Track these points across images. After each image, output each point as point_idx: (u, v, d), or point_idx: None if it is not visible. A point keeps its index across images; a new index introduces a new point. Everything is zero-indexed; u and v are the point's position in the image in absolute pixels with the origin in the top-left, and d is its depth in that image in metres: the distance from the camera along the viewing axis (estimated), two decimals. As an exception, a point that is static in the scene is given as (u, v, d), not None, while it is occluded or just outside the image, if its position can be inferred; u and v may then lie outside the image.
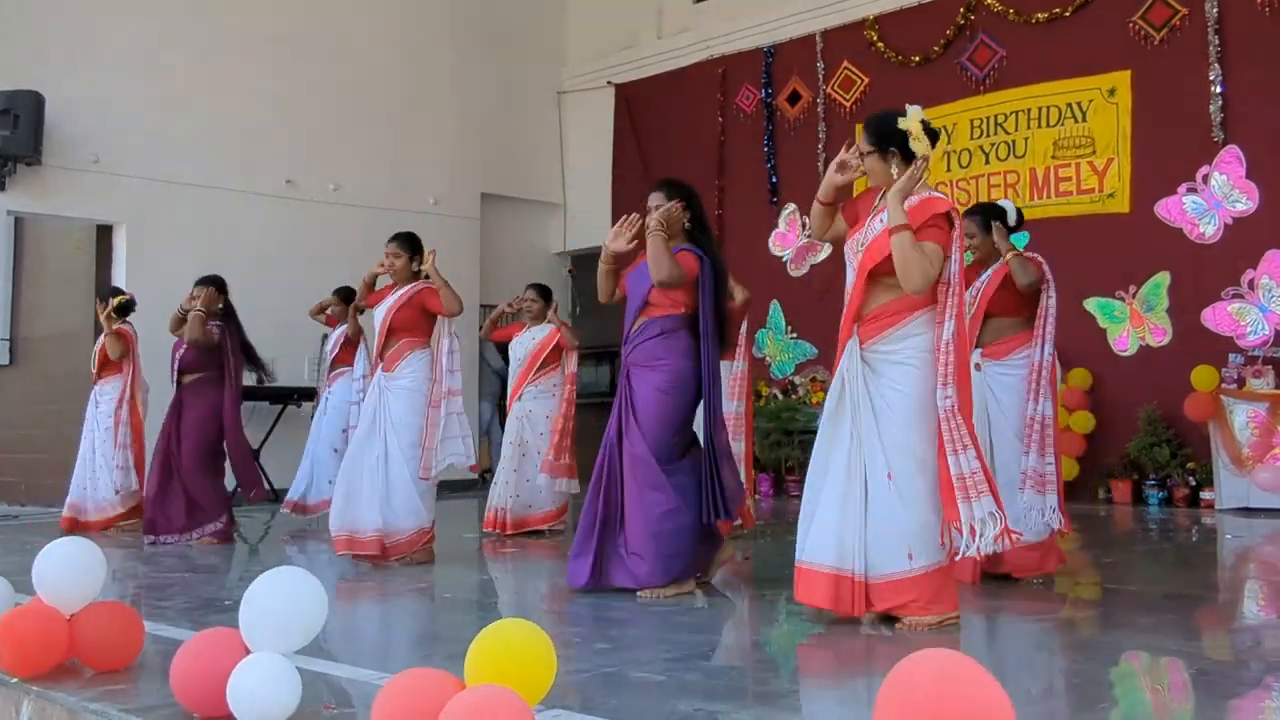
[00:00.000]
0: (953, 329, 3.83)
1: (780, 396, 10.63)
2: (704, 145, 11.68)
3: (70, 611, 3.19)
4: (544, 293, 7.66)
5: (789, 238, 11.11)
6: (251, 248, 9.98)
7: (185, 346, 7.01)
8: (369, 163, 11.14)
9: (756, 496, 10.31)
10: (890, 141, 3.96)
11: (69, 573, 3.19)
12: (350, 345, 8.07)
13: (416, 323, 6.07)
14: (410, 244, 6.19)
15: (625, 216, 5.14)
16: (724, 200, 11.57)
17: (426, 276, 6.08)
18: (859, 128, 4.15)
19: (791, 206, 11.06)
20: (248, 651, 2.66)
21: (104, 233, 9.84)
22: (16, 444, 10.07)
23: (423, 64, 11.68)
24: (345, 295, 8.35)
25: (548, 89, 13.03)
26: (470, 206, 12.04)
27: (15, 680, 3.14)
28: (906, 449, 3.81)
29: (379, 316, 6.09)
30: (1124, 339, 8.91)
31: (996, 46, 9.75)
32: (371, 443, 5.95)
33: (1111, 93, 9.11)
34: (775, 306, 11.09)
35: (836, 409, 3.95)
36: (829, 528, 3.88)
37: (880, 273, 3.88)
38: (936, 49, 10.06)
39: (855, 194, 4.42)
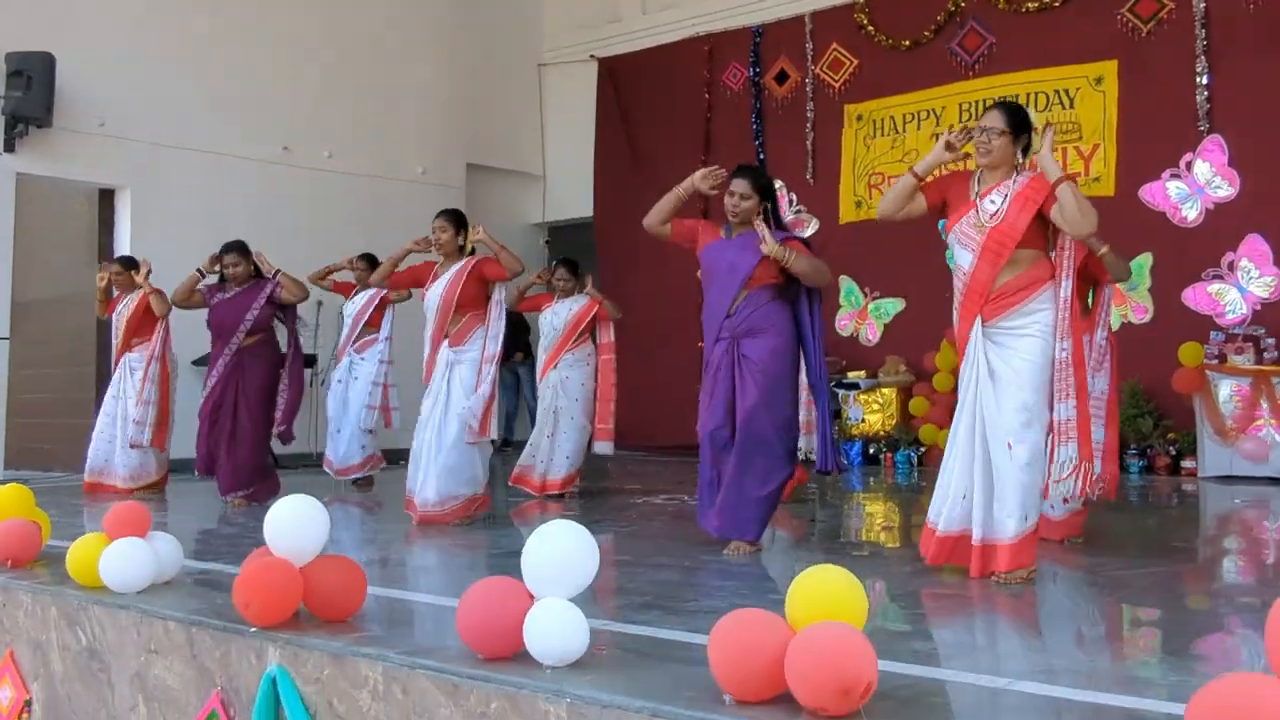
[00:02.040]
0: (1070, 287, 4.15)
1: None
2: (690, 121, 11.88)
3: (300, 564, 3.32)
4: (575, 269, 7.85)
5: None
6: (250, 214, 9.94)
7: (259, 306, 7.08)
8: (361, 132, 11.18)
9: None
10: (1025, 128, 4.25)
11: (299, 527, 3.32)
12: (380, 310, 8.18)
13: (480, 296, 6.23)
14: (457, 219, 6.30)
15: (714, 167, 5.28)
16: (710, 176, 11.77)
17: (473, 251, 6.22)
18: (988, 110, 4.36)
19: (778, 183, 11.31)
20: (532, 598, 2.85)
21: (105, 197, 9.71)
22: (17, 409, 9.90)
23: (410, 34, 11.70)
24: (372, 262, 8.41)
25: (529, 61, 13.12)
26: (456, 177, 12.11)
27: (254, 629, 3.26)
28: (1031, 410, 4.10)
29: (438, 295, 6.16)
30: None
31: (986, 33, 10.14)
32: (434, 415, 6.11)
33: (1099, 81, 9.57)
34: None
35: (971, 389, 4.21)
36: (955, 497, 4.19)
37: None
38: (927, 34, 10.41)
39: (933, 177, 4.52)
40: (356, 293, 8.43)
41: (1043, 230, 4.20)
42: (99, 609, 3.76)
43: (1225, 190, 8.94)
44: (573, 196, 12.85)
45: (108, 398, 7.86)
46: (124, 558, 3.78)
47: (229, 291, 7.28)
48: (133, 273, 7.71)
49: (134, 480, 7.71)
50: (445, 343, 6.17)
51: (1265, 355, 8.44)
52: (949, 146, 4.34)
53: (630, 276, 11.72)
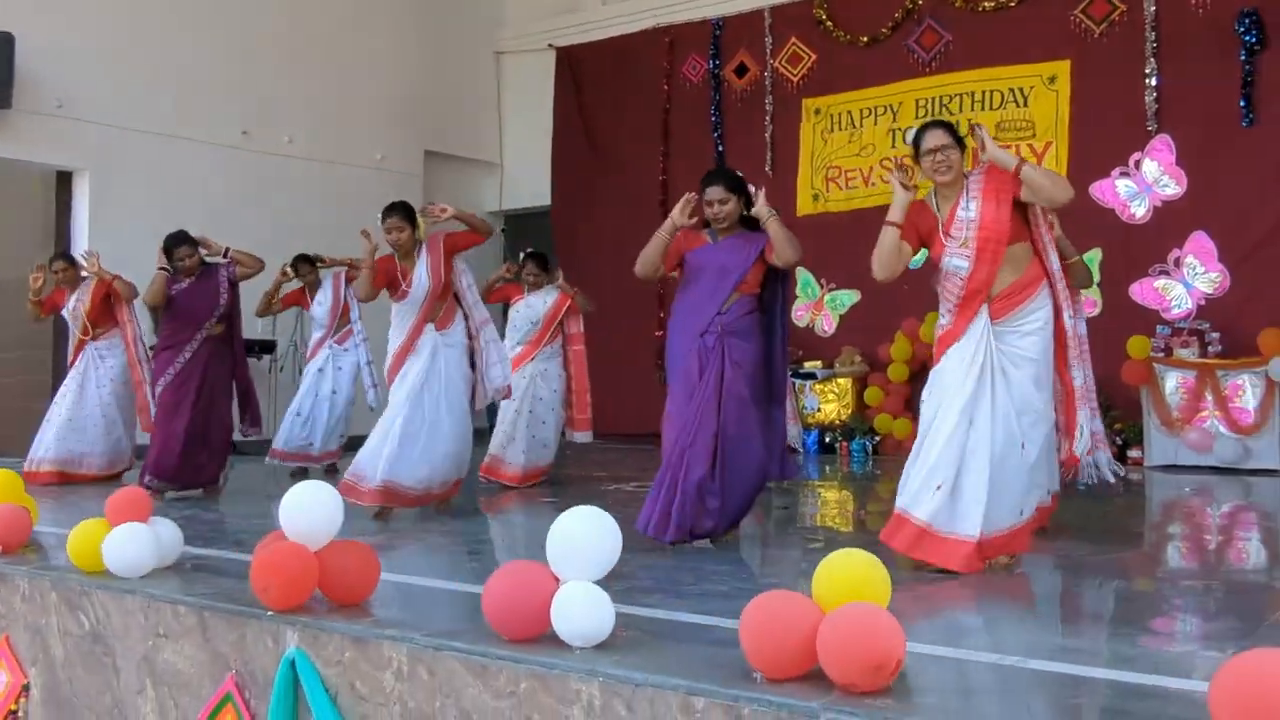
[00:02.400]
0: (1055, 259, 4.31)
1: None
2: (649, 112, 11.96)
3: (316, 548, 3.37)
4: (544, 263, 7.91)
5: (734, 205, 11.52)
6: (209, 198, 9.91)
7: (225, 293, 7.01)
8: (320, 118, 11.15)
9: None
10: (962, 141, 4.39)
11: (314, 511, 3.37)
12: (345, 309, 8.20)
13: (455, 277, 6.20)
14: (408, 214, 6.01)
15: (686, 195, 5.26)
16: (668, 167, 11.89)
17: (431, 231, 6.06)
18: (929, 131, 4.42)
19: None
20: (557, 581, 2.94)
21: (63, 180, 9.57)
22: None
23: (370, 20, 11.67)
24: (308, 259, 8.36)
25: (487, 49, 13.11)
26: (414, 164, 12.12)
27: (270, 613, 3.31)
28: (1036, 409, 4.23)
29: (423, 288, 5.95)
30: (1056, 309, 9.67)
31: (943, 31, 10.35)
32: (423, 398, 5.99)
33: (1052, 80, 9.82)
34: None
35: (973, 384, 4.21)
36: (930, 487, 4.26)
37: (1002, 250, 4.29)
38: (885, 30, 10.59)
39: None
40: (314, 294, 8.36)
41: (1022, 221, 4.32)
42: (103, 594, 3.77)
43: (1172, 188, 9.23)
44: (530, 185, 12.88)
45: (72, 388, 7.72)
46: (128, 543, 3.80)
47: (184, 281, 7.11)
48: (77, 267, 7.63)
49: (112, 467, 7.68)
50: (430, 328, 6.00)
51: (1209, 349, 8.75)
52: (904, 187, 4.37)
53: (587, 265, 11.75)
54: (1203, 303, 9.03)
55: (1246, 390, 8.45)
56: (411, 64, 12.05)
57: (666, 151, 11.92)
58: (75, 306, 7.68)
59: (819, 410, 10.61)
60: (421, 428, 5.90)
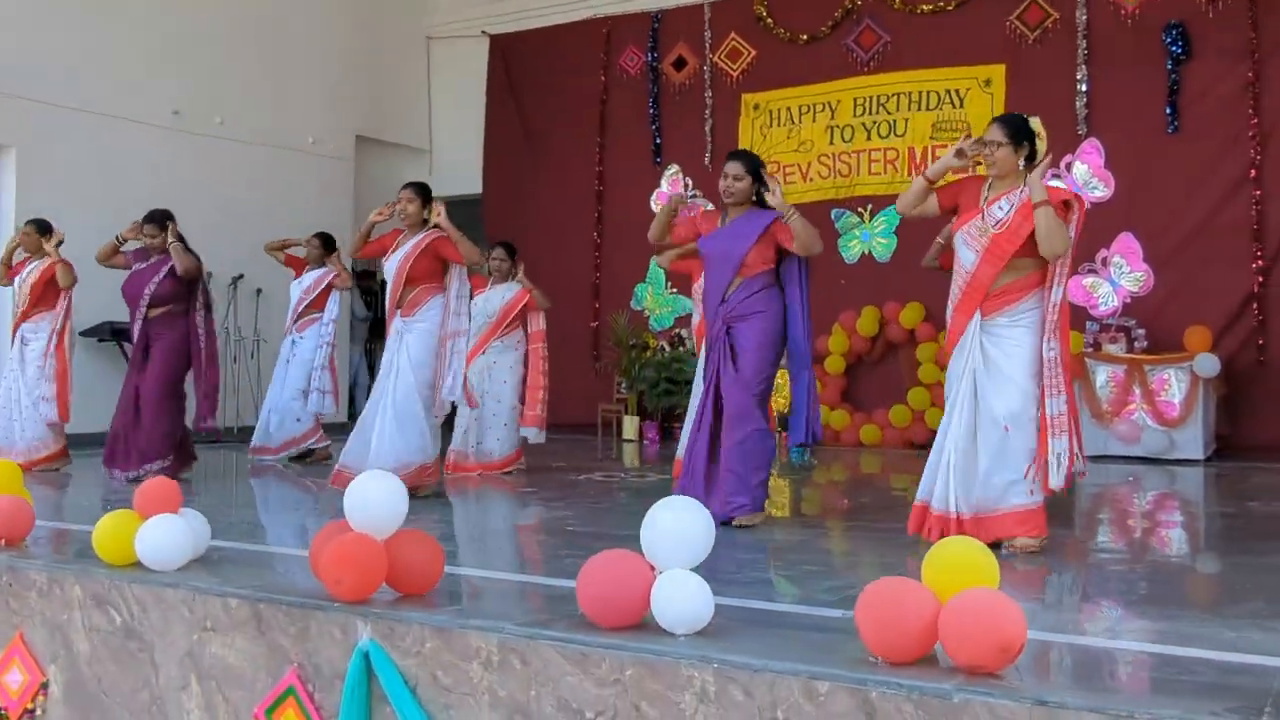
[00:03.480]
0: (1061, 294, 4.49)
1: (668, 348, 11.15)
2: (585, 102, 11.96)
3: (382, 539, 3.34)
4: (511, 251, 7.87)
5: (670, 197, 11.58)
6: (140, 177, 9.60)
7: (161, 279, 6.85)
8: (253, 99, 10.89)
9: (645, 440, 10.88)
10: (1024, 137, 4.55)
11: (380, 502, 3.33)
12: (326, 292, 8.07)
13: (434, 270, 6.29)
14: (423, 191, 6.41)
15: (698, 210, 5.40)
16: (604, 158, 11.92)
17: (436, 226, 6.24)
18: (989, 125, 4.62)
19: (675, 167, 11.39)
20: (653, 569, 2.97)
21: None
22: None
23: (300, 2, 11.39)
24: (327, 241, 8.30)
25: (418, 34, 12.94)
26: (345, 148, 11.92)
27: (337, 604, 3.26)
28: (1028, 393, 4.43)
29: (393, 265, 6.24)
30: (988, 305, 10.00)
31: (882, 32, 10.58)
32: (386, 384, 6.13)
33: (987, 83, 10.13)
34: (655, 263, 11.57)
35: (963, 374, 4.52)
36: (946, 477, 4.49)
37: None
38: (824, 29, 10.78)
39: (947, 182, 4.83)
40: (306, 271, 8.26)
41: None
42: (138, 587, 3.66)
43: (1101, 191, 9.58)
44: (460, 172, 12.74)
45: (4, 371, 7.46)
46: (163, 534, 3.70)
47: (144, 262, 7.03)
48: (44, 238, 7.34)
49: (31, 454, 7.35)
50: (398, 312, 6.23)
51: (1136, 344, 9.16)
52: (959, 154, 4.60)
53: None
54: (1128, 300, 9.41)
55: (1172, 384, 8.86)
56: (344, 47, 11.83)
57: (603, 143, 11.93)
58: (24, 278, 7.42)
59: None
60: (373, 413, 6.11)
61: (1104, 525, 5.81)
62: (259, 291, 10.65)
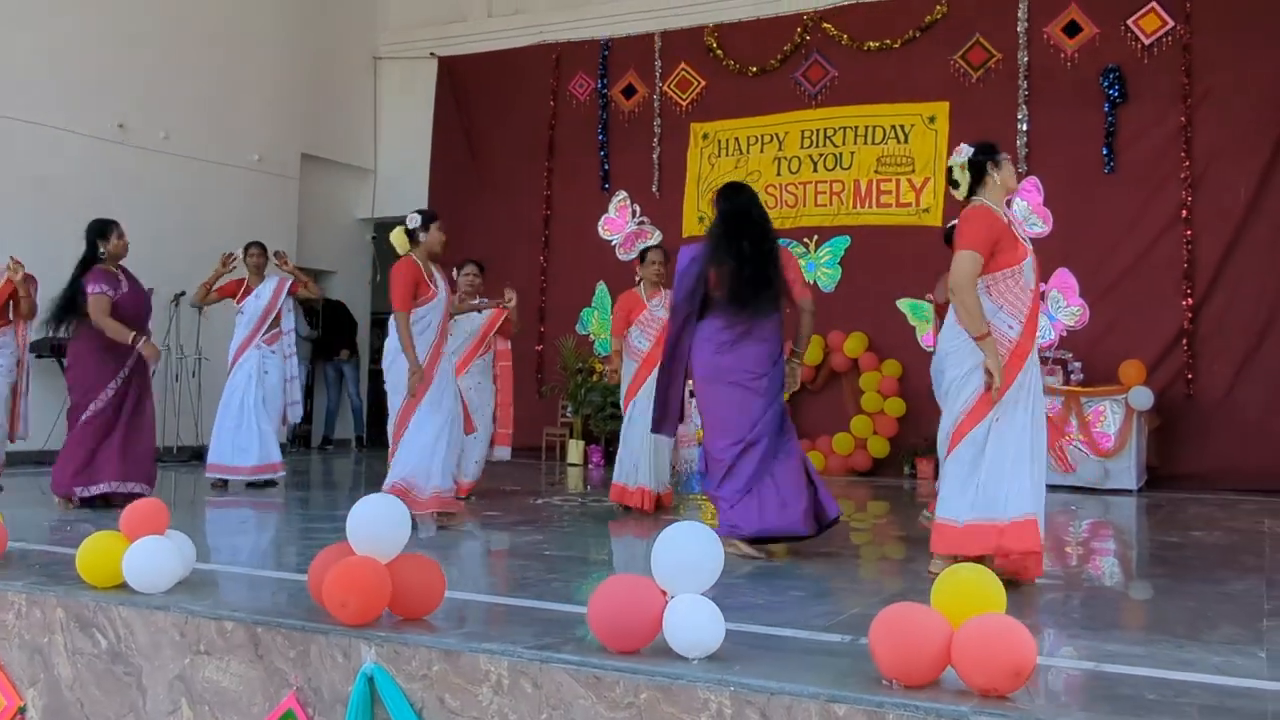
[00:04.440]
0: None
1: (614, 374, 11.18)
2: (534, 127, 12.01)
3: (385, 561, 3.34)
4: (482, 268, 7.93)
5: (618, 223, 11.63)
6: (81, 190, 9.46)
7: (149, 299, 6.74)
8: (198, 115, 10.78)
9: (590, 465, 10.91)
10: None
11: (384, 524, 3.34)
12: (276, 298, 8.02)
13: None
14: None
15: None
16: (552, 182, 11.97)
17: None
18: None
19: (623, 194, 11.54)
20: (664, 594, 3.02)
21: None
22: None
23: (252, 18, 11.33)
24: (264, 247, 8.20)
25: (365, 53, 12.89)
26: (290, 166, 11.81)
27: (338, 627, 3.26)
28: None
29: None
30: (930, 336, 10.20)
31: (829, 67, 10.80)
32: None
33: (931, 120, 10.40)
34: (602, 287, 11.63)
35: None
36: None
37: None
38: (773, 62, 10.97)
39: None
40: (256, 287, 8.05)
41: None
42: (125, 609, 3.61)
43: (1040, 227, 9.86)
44: (403, 193, 12.67)
45: None
46: (152, 556, 3.66)
47: (128, 281, 6.83)
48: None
49: None
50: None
51: (1072, 377, 9.44)
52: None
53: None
54: (1065, 334, 9.71)
55: (1108, 416, 9.15)
56: (291, 65, 11.74)
57: (551, 168, 11.99)
58: None
59: (700, 428, 10.85)
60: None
61: (1065, 553, 5.99)
62: (201, 309, 10.47)
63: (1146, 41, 9.57)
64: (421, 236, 6.05)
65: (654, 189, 11.38)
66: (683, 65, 11.42)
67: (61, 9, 9.57)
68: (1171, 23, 9.47)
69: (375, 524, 3.33)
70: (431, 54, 12.57)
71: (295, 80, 11.79)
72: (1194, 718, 2.55)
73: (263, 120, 11.41)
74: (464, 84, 12.45)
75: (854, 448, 10.23)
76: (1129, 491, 8.91)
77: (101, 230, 6.70)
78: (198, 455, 8.95)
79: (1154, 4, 9.54)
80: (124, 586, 3.73)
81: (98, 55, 9.86)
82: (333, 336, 12.46)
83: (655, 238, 11.54)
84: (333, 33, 12.33)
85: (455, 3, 12.68)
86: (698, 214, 11.30)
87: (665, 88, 11.50)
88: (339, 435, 12.75)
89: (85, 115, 9.75)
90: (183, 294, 10.40)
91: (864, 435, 10.20)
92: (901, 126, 10.50)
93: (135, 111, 10.18)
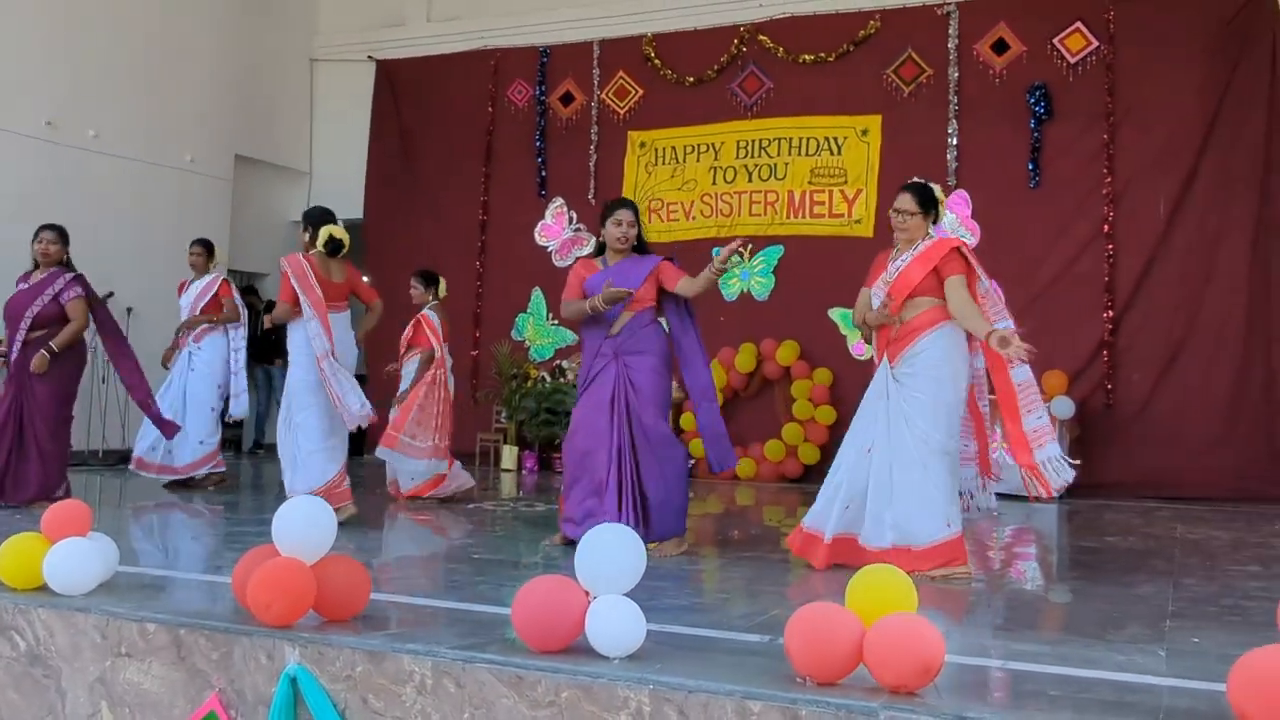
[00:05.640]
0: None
1: (548, 379, 11.23)
2: (471, 132, 12.01)
3: (310, 563, 3.35)
4: (426, 280, 7.99)
5: (555, 229, 11.71)
6: (8, 189, 9.30)
7: (45, 303, 6.64)
8: (130, 114, 10.63)
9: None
10: (931, 205, 4.90)
11: (308, 527, 3.35)
12: (215, 300, 7.97)
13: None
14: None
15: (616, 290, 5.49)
16: (489, 188, 11.98)
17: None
18: (901, 192, 5.02)
19: (559, 200, 11.66)
20: (587, 595, 3.07)
21: None
22: None
23: (186, 17, 11.22)
24: (208, 247, 8.20)
25: (301, 55, 12.81)
26: (224, 168, 11.70)
27: (262, 629, 3.27)
28: (930, 441, 4.73)
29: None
30: (860, 345, 10.36)
31: (765, 78, 10.94)
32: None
33: (864, 133, 10.57)
34: (537, 293, 11.67)
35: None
36: (840, 507, 4.79)
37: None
38: (710, 73, 11.08)
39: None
40: (191, 282, 8.08)
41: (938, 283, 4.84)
42: (45, 612, 3.58)
43: (968, 240, 10.09)
44: (339, 196, 12.48)
45: None
46: (72, 558, 3.63)
47: (30, 280, 6.82)
48: None
49: None
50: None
51: (998, 387, 9.64)
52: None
53: (401, 281, 11.61)
54: (991, 344, 9.92)
55: (1031, 425, 9.34)
56: (225, 65, 11.64)
57: (488, 173, 12.00)
58: None
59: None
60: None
61: (988, 558, 6.13)
62: (130, 310, 10.34)
63: (1072, 60, 9.82)
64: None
65: (590, 196, 11.43)
66: (621, 74, 11.49)
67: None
68: (1096, 42, 9.73)
69: (301, 526, 3.34)
70: (369, 57, 12.52)
71: (230, 81, 11.69)
72: (1093, 712, 2.65)
73: (196, 121, 11.29)
74: (402, 88, 12.41)
75: (785, 455, 10.36)
76: (1050, 499, 9.10)
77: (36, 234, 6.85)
78: (124, 459, 8.83)
79: (1079, 24, 9.80)
80: (44, 589, 3.69)
81: (26, 52, 9.70)
82: (266, 344, 12.33)
83: (590, 245, 11.65)
84: (269, 34, 12.23)
85: (394, 7, 12.64)
86: (634, 222, 11.35)
87: (603, 96, 11.56)
88: (269, 440, 12.61)
89: (12, 112, 9.58)
90: (111, 294, 10.23)
91: (795, 443, 10.33)
92: (835, 138, 10.66)
93: (64, 109, 10.03)
